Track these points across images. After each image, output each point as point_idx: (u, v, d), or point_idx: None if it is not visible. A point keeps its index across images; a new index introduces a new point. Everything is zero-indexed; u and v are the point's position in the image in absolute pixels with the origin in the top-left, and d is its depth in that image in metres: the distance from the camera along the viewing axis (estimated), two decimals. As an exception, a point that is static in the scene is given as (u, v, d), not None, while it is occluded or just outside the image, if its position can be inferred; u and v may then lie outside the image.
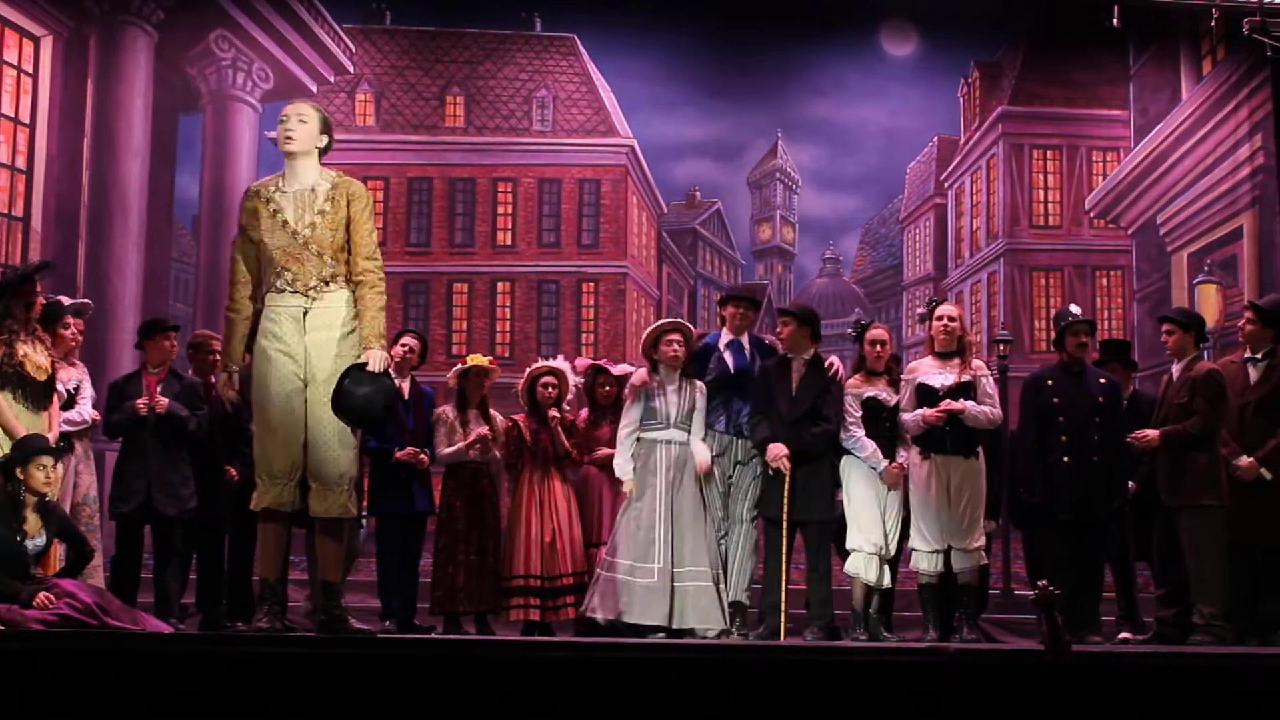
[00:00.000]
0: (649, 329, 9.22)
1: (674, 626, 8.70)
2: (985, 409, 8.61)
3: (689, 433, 8.93)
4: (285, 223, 6.81)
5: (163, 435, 9.11)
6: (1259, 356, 8.79)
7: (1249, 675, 5.81)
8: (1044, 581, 6.18)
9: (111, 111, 13.05)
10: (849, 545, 8.63)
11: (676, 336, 8.94)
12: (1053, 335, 9.34)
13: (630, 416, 8.93)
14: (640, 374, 9.00)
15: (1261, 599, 8.66)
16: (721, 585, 8.82)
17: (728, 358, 9.05)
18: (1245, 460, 8.55)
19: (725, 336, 9.18)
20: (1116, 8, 12.32)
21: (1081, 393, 8.86)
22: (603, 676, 5.51)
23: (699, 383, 8.99)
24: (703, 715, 5.35)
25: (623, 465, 8.89)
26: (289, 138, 6.99)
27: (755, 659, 6.01)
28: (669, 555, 8.76)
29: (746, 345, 9.15)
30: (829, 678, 5.55)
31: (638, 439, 8.91)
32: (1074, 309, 9.27)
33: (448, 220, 14.04)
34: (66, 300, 8.89)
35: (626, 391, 9.06)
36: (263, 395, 6.72)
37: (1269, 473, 8.57)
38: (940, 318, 8.83)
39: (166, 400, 9.08)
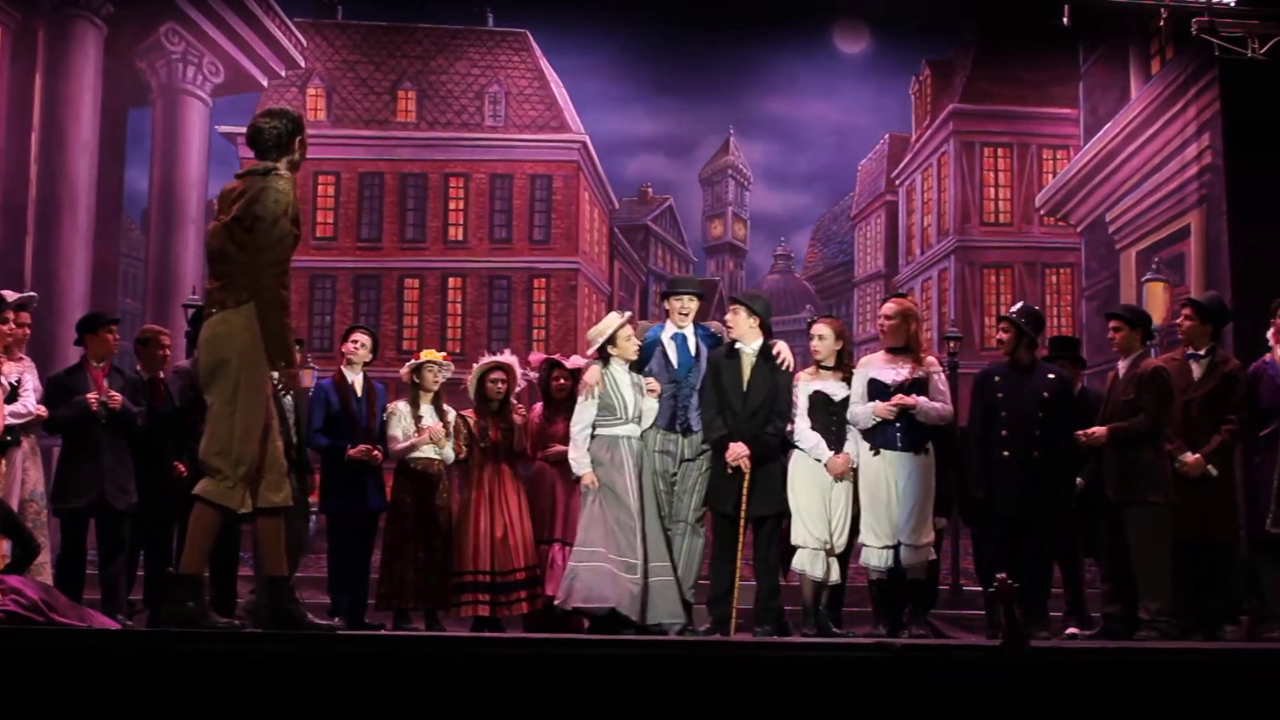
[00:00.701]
0: (600, 323, 9.20)
1: (648, 622, 8.71)
2: (937, 405, 8.65)
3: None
4: None
5: (112, 430, 9.07)
6: (1201, 353, 8.85)
7: (1195, 670, 5.86)
8: (1002, 575, 6.21)
9: (60, 105, 12.95)
10: (794, 541, 8.64)
11: (629, 332, 8.96)
12: (955, 331, 9.40)
13: (585, 413, 8.90)
14: (594, 370, 8.98)
15: (1206, 594, 8.73)
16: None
17: (671, 352, 8.86)
18: (1191, 457, 8.61)
19: (669, 329, 8.95)
20: (1067, 7, 12.36)
21: (1027, 389, 8.90)
22: (554, 672, 5.51)
23: (652, 379, 8.98)
24: (652, 710, 5.35)
25: (581, 460, 8.85)
26: None
27: (704, 655, 6.01)
28: (649, 550, 8.78)
29: (692, 339, 8.93)
30: (777, 673, 5.56)
31: (599, 435, 8.88)
32: (1017, 306, 9.31)
33: (399, 215, 14.00)
34: (10, 295, 8.82)
35: (580, 388, 9.03)
36: (263, 398, 6.62)
37: (1214, 469, 8.64)
38: (884, 315, 8.88)
39: (121, 397, 9.04)
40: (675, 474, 8.77)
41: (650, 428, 8.74)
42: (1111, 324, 8.95)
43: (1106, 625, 8.76)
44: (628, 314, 9.18)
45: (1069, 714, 5.39)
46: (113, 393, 9.04)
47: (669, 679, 5.47)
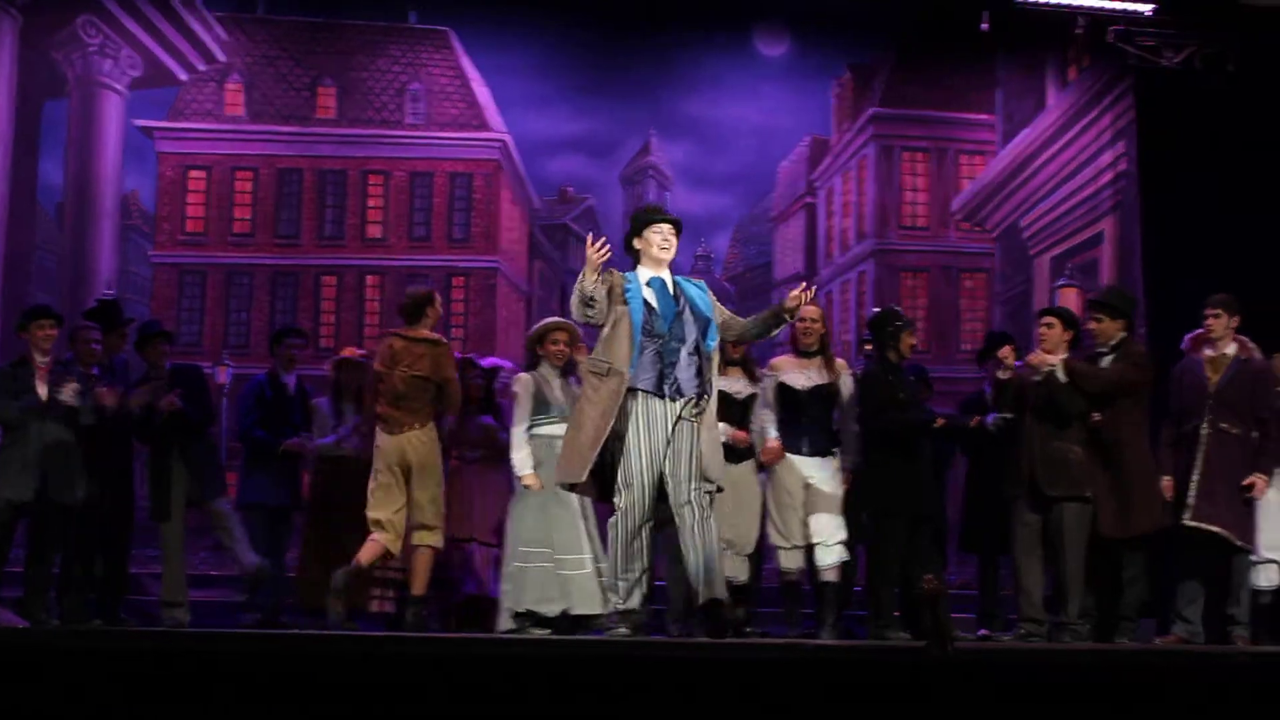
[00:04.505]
0: (535, 326, 9.23)
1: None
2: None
3: None
4: None
5: (57, 425, 9.05)
6: (1106, 350, 8.99)
7: (1123, 671, 5.94)
8: (930, 575, 6.27)
9: (-28, 96, 12.81)
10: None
11: (563, 335, 8.97)
12: (868, 334, 9.48)
13: (522, 414, 8.92)
14: (523, 380, 9.00)
15: (1124, 591, 8.87)
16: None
17: (653, 301, 7.52)
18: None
19: (644, 273, 7.63)
20: (986, 14, 12.49)
21: (916, 389, 9.16)
22: (466, 671, 5.51)
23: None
24: (556, 712, 5.35)
25: (523, 461, 8.88)
26: None
27: (611, 655, 6.03)
28: (589, 545, 8.82)
29: (670, 282, 7.62)
30: (688, 675, 5.58)
31: (535, 435, 8.90)
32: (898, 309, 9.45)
33: (317, 212, 13.92)
34: None
35: (515, 390, 9.04)
36: None
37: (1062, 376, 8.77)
38: (803, 318, 8.91)
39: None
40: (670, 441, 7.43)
41: (636, 392, 7.40)
42: (1094, 315, 9.07)
43: (1072, 628, 8.82)
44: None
45: (994, 715, 5.44)
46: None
47: (579, 678, 5.48)
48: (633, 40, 13.30)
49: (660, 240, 7.55)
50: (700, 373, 7.47)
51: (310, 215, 13.90)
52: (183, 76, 13.47)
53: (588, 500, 8.83)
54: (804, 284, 7.58)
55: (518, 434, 8.91)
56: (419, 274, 14.00)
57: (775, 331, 7.89)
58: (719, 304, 7.72)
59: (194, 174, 13.62)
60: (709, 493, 7.41)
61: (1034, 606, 8.86)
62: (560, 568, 8.79)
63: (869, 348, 9.56)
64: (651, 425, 7.34)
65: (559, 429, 8.78)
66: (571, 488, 7.65)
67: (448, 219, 14.18)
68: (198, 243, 13.58)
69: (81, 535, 9.26)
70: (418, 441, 8.81)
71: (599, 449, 7.33)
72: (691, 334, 7.47)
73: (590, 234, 7.45)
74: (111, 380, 9.30)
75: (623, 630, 7.38)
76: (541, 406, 8.87)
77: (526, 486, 8.87)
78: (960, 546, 10.03)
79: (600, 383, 7.39)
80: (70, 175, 13.07)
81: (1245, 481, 8.77)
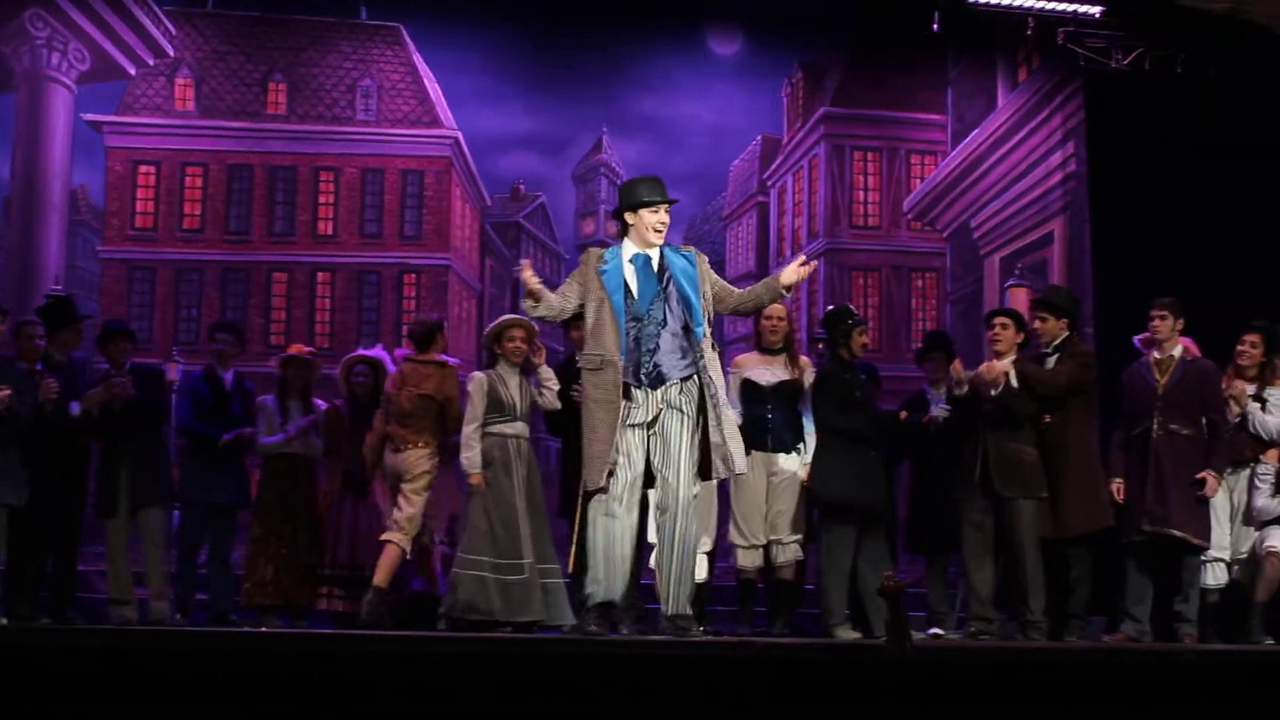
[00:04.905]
0: (492, 324, 9.19)
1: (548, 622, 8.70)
2: None
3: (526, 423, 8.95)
4: None
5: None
6: (1049, 350, 9.06)
7: (1081, 669, 5.97)
8: (889, 572, 6.29)
9: (-83, 89, 12.70)
10: (650, 538, 8.67)
11: (520, 332, 8.93)
12: (822, 333, 9.53)
13: (473, 413, 8.87)
14: (478, 380, 8.95)
15: (1073, 589, 8.93)
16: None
17: (632, 280, 7.24)
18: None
19: (629, 249, 7.27)
20: (937, 14, 12.54)
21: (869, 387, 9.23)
22: (416, 670, 5.49)
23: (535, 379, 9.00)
24: (507, 710, 5.33)
25: (473, 459, 8.81)
26: None
27: (559, 653, 6.02)
28: (534, 551, 8.75)
29: (656, 259, 7.26)
30: (639, 672, 5.57)
31: (489, 434, 8.85)
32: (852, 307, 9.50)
33: (268, 209, 13.84)
34: None
35: (469, 389, 9.00)
36: None
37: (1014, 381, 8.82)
38: (769, 316, 8.97)
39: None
40: (655, 433, 7.15)
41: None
42: (1038, 315, 9.12)
43: (1025, 627, 8.85)
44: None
45: (951, 713, 5.45)
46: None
47: (527, 677, 5.46)
48: (585, 37, 13.29)
49: (656, 222, 7.19)
50: (686, 355, 7.09)
51: (261, 211, 13.82)
52: (132, 71, 13.37)
53: (538, 501, 8.82)
54: (803, 257, 7.45)
55: (468, 433, 8.84)
56: (370, 271, 13.95)
57: (768, 305, 7.72)
58: (712, 275, 7.36)
59: (143, 169, 13.52)
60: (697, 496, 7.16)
61: (984, 605, 8.90)
62: (501, 573, 8.67)
63: (821, 345, 9.59)
64: (629, 416, 7.05)
65: (513, 428, 8.78)
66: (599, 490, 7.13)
67: (399, 216, 14.13)
68: (147, 238, 13.49)
69: (30, 534, 9.19)
70: (415, 456, 9.10)
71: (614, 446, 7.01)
72: (675, 314, 7.11)
73: (520, 263, 7.36)
74: (62, 376, 9.23)
75: (593, 628, 7.18)
76: (495, 406, 8.82)
77: (473, 485, 8.83)
78: (907, 548, 10.06)
79: (596, 378, 7.11)
80: (17, 170, 12.95)
81: (1198, 476, 8.83)
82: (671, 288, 7.13)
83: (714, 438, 7.05)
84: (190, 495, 9.79)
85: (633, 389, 7.05)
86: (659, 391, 7.07)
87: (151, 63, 13.45)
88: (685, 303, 7.10)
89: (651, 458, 7.09)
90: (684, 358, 7.08)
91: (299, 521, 9.58)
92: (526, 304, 7.26)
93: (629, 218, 7.24)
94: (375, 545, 9.29)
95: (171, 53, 13.48)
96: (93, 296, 12.84)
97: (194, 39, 13.53)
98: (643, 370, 7.06)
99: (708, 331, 7.13)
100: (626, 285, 7.11)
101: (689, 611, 7.21)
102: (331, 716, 5.27)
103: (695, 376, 7.08)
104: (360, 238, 14.05)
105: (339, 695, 5.31)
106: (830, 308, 9.59)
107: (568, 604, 8.76)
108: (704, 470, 7.12)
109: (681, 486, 7.04)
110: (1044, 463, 8.81)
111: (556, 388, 8.86)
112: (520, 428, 8.85)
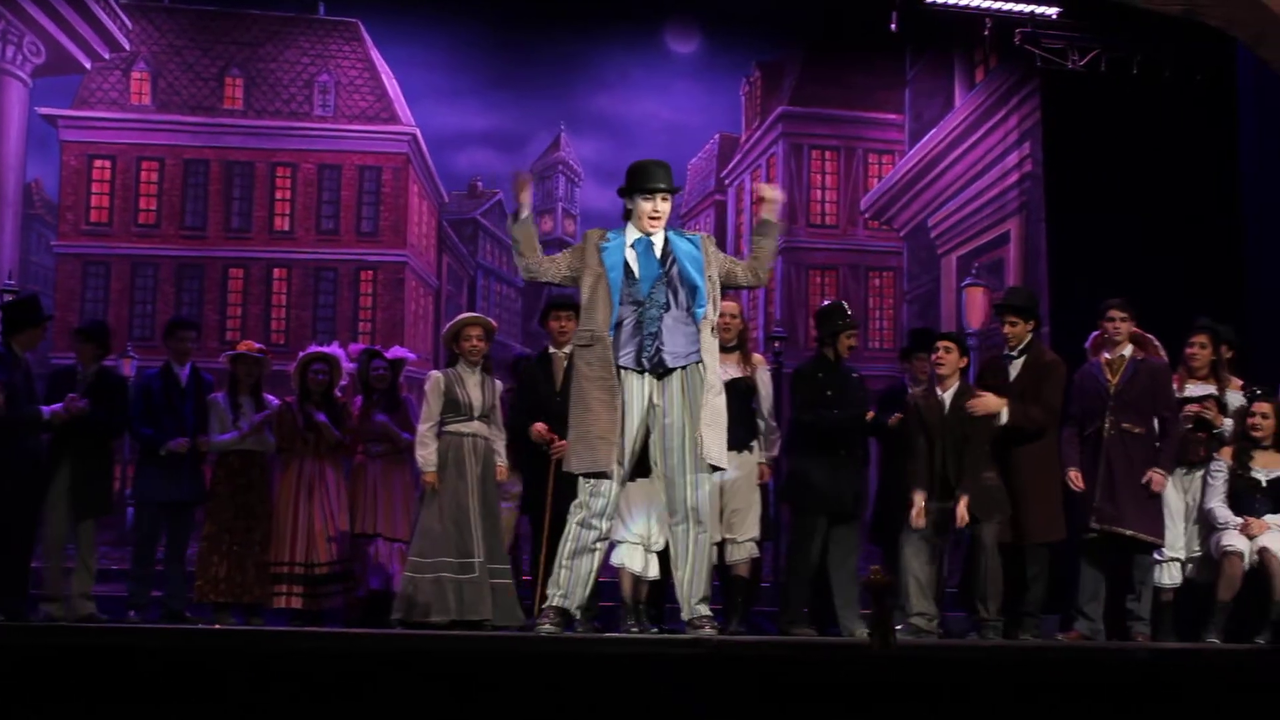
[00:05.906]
0: (450, 322, 9.14)
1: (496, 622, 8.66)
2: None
3: (490, 425, 8.90)
4: None
5: None
6: (1014, 353, 9.08)
7: (1022, 665, 5.99)
8: (876, 567, 6.28)
9: None
10: (614, 537, 8.66)
11: (477, 330, 8.89)
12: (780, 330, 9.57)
13: (429, 412, 8.83)
14: (435, 379, 8.89)
15: (1028, 588, 8.97)
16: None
17: (634, 264, 7.03)
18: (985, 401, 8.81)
19: (631, 233, 7.10)
20: (895, 14, 12.58)
21: (849, 388, 9.19)
22: (369, 665, 5.47)
23: (498, 381, 8.99)
24: (461, 710, 5.32)
25: (428, 458, 8.76)
26: None
27: (513, 650, 6.01)
28: (485, 550, 8.70)
29: (659, 244, 7.07)
30: (594, 670, 5.56)
31: (445, 433, 8.81)
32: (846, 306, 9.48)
33: (224, 204, 13.79)
34: None
35: (426, 388, 8.95)
36: None
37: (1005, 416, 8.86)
38: (721, 314, 8.93)
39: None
40: (656, 422, 6.98)
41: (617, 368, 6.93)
42: (1007, 319, 9.13)
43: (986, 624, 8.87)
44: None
45: (933, 710, 5.46)
46: None
47: (477, 674, 5.45)
48: (543, 35, 13.30)
49: (650, 210, 7.01)
50: (690, 340, 6.92)
51: (217, 207, 13.76)
52: (87, 65, 13.30)
53: (491, 501, 8.79)
54: (761, 184, 7.36)
55: (423, 431, 8.80)
56: (327, 267, 13.92)
57: (773, 248, 7.33)
58: (719, 255, 7.16)
59: (98, 163, 13.45)
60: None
61: (925, 599, 8.85)
62: (452, 571, 8.61)
63: (778, 345, 9.63)
64: (629, 406, 6.88)
65: (470, 427, 8.76)
66: (600, 475, 6.90)
67: (356, 212, 14.10)
68: (102, 233, 13.42)
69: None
70: None
71: (620, 428, 6.83)
72: (678, 298, 6.95)
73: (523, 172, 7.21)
74: (19, 374, 9.16)
75: (548, 627, 6.98)
76: (452, 405, 8.78)
77: (428, 484, 8.79)
78: (870, 539, 10.09)
79: (589, 354, 6.91)
80: (-29, 164, 12.88)
81: (1145, 478, 8.86)
82: (674, 270, 6.98)
83: (701, 429, 6.91)
84: (145, 494, 9.74)
85: (632, 376, 6.91)
86: (661, 379, 6.93)
87: (107, 56, 13.38)
88: (689, 285, 6.97)
89: (652, 459, 6.98)
90: (688, 342, 6.94)
91: (252, 518, 9.55)
92: (512, 229, 7.10)
93: (629, 203, 7.14)
94: (329, 541, 9.29)
95: (128, 47, 13.42)
96: (47, 292, 12.75)
97: (150, 33, 13.46)
98: (644, 354, 6.89)
99: (710, 315, 7.00)
100: (627, 265, 6.98)
101: (708, 613, 7.07)
102: (286, 713, 5.25)
103: (700, 364, 6.94)
104: (317, 234, 14.02)
105: (294, 692, 5.29)
106: (825, 303, 9.62)
107: (517, 604, 8.75)
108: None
109: (689, 483, 6.91)
110: (1003, 466, 8.80)
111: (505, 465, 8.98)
112: (477, 426, 8.81)
